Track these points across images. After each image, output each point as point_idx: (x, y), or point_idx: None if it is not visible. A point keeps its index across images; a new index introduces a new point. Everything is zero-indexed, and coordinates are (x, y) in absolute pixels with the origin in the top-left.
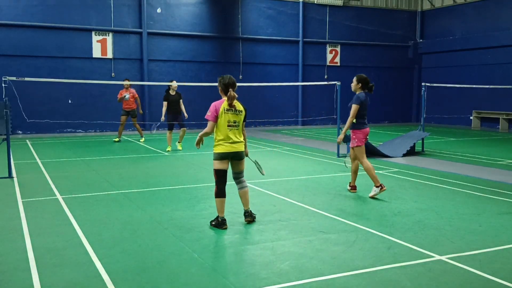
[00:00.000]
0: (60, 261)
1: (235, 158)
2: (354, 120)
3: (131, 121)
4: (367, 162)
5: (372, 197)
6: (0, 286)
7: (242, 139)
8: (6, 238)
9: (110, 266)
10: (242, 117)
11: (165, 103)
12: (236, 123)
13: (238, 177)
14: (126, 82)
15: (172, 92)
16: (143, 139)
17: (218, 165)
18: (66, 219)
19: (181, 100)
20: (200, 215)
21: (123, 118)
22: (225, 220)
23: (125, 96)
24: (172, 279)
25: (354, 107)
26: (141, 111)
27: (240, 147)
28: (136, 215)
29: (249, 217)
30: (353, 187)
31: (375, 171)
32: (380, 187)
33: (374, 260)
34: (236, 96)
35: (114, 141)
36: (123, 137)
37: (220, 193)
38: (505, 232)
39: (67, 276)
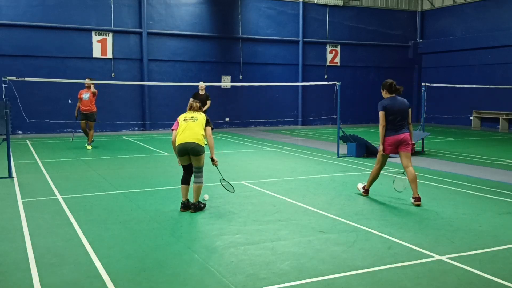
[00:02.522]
0: (60, 261)
1: (191, 152)
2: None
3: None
4: (377, 168)
5: (358, 189)
6: (0, 286)
7: (197, 133)
8: (6, 238)
9: (110, 266)
10: (202, 117)
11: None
12: (194, 118)
13: (194, 170)
14: (88, 81)
15: (201, 92)
16: (89, 146)
17: (179, 160)
18: (66, 219)
19: (208, 101)
20: (200, 215)
21: (82, 123)
22: (183, 203)
23: (83, 96)
24: (172, 279)
25: (379, 115)
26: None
27: (188, 138)
28: (136, 215)
29: (193, 209)
30: (416, 199)
31: (375, 180)
32: (365, 191)
33: (374, 260)
34: (196, 105)
35: (88, 148)
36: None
37: (182, 180)
38: (505, 232)
39: (67, 276)
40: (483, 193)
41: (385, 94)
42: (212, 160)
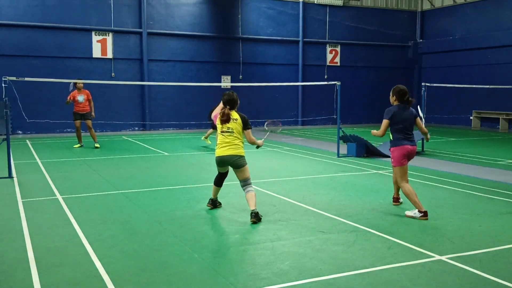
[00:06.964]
0: (60, 261)
1: (232, 165)
2: (391, 137)
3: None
4: (406, 185)
5: (408, 217)
6: (0, 286)
7: (236, 144)
8: (6, 238)
9: (110, 266)
10: (238, 125)
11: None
12: (230, 130)
13: (242, 184)
14: (80, 81)
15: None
16: (97, 145)
17: (217, 168)
18: (66, 219)
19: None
20: (200, 215)
21: (77, 123)
22: (211, 200)
23: (78, 98)
24: (172, 279)
25: (383, 122)
26: (93, 115)
27: (227, 151)
28: (136, 215)
29: (254, 218)
30: (396, 199)
31: (416, 196)
32: (423, 214)
33: (374, 260)
34: (227, 113)
35: (75, 147)
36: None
37: (215, 182)
38: (505, 232)
39: (67, 276)
40: (483, 193)
41: (394, 101)
42: (258, 146)
